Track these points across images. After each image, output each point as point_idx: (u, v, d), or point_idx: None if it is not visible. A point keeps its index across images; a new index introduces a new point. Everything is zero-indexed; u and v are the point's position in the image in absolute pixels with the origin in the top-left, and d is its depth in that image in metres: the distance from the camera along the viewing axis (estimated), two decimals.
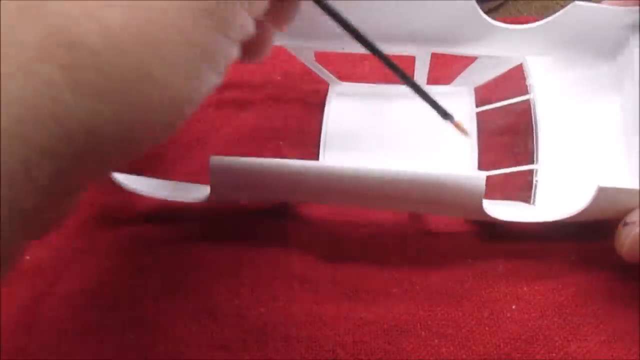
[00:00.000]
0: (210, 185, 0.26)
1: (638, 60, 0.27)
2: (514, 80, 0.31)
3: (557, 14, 0.28)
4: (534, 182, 0.28)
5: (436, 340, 0.25)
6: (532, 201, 0.27)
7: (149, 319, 0.27)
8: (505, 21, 0.29)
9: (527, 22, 0.31)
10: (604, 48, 0.29)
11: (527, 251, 0.28)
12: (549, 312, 0.26)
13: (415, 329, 0.26)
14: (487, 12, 0.44)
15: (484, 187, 0.24)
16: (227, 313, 0.27)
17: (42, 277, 0.28)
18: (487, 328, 0.26)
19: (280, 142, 0.33)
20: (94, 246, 0.29)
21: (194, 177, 0.31)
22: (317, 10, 0.26)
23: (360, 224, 0.30)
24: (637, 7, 0.27)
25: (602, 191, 0.23)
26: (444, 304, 0.26)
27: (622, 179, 0.27)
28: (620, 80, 0.29)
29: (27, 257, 0.29)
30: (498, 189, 0.28)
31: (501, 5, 0.45)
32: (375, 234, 0.29)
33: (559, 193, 0.27)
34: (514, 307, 0.26)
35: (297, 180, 0.25)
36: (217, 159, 0.25)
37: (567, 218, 0.25)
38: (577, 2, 0.28)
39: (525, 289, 0.27)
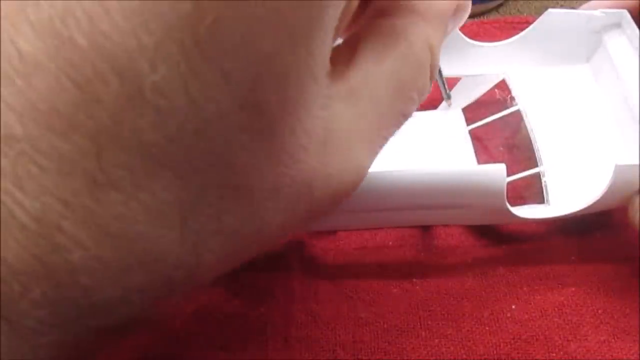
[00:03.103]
0: None
1: (620, 54, 0.29)
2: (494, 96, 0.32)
3: (533, 24, 0.30)
4: (543, 183, 0.28)
5: (436, 340, 0.25)
6: (546, 202, 0.28)
7: (148, 319, 0.27)
8: (505, 21, 0.29)
9: (527, 22, 0.31)
10: (578, 51, 0.31)
11: (527, 251, 0.28)
12: (549, 312, 0.26)
13: (415, 329, 0.26)
14: (487, 12, 0.44)
15: (505, 177, 0.24)
16: (227, 313, 0.27)
17: None
18: (487, 328, 0.26)
19: None
20: None
21: None
22: None
23: None
24: (608, 10, 0.29)
25: (619, 169, 0.23)
26: (444, 304, 0.26)
27: (626, 158, 0.28)
28: (596, 77, 0.31)
29: None
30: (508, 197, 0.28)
31: (501, 5, 0.45)
32: (375, 234, 0.29)
33: (570, 189, 0.28)
34: (514, 307, 0.26)
35: None
36: None
37: (589, 207, 0.25)
38: (551, 10, 0.30)
39: (525, 289, 0.27)
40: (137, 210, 0.11)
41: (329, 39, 0.12)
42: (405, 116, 0.16)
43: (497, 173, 0.24)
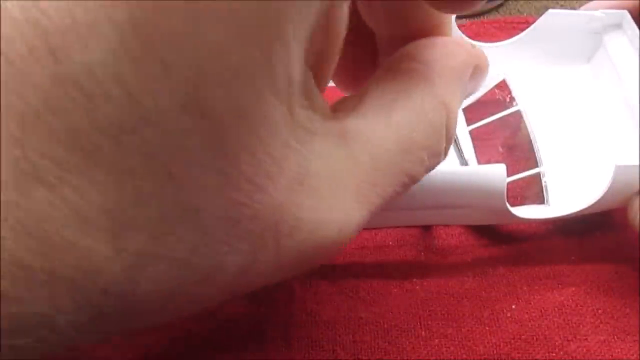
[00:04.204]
0: None
1: (621, 55, 0.29)
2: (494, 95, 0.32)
3: (534, 24, 0.30)
4: (543, 183, 0.28)
5: (436, 340, 0.25)
6: (546, 202, 0.28)
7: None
8: (505, 21, 0.29)
9: (527, 22, 0.31)
10: (579, 52, 0.31)
11: (527, 251, 0.28)
12: (549, 312, 0.26)
13: (415, 329, 0.26)
14: (487, 12, 0.44)
15: (505, 177, 0.24)
16: (227, 313, 0.27)
17: None
18: (487, 328, 0.26)
19: None
20: None
21: None
22: None
23: None
24: (609, 11, 0.30)
25: (619, 170, 0.23)
26: (444, 304, 0.26)
27: (626, 159, 0.28)
28: (596, 77, 0.31)
29: None
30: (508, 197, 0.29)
31: (501, 5, 0.45)
32: (375, 234, 0.29)
33: (570, 189, 0.28)
34: (514, 307, 0.26)
35: None
36: None
37: (589, 207, 0.25)
38: (551, 10, 0.30)
39: (525, 289, 0.27)
40: (64, 211, 0.09)
41: (297, 54, 0.11)
42: (411, 178, 0.14)
43: (497, 173, 0.24)
